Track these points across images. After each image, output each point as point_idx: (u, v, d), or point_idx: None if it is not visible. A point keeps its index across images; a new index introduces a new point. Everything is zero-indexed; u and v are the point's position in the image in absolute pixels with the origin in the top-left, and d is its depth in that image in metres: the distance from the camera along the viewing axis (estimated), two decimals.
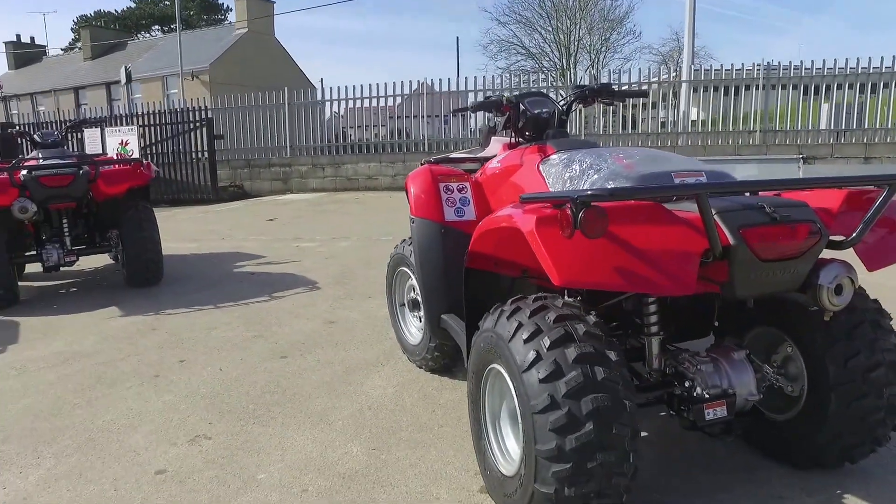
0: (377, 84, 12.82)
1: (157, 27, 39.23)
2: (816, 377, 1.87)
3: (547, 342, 1.55)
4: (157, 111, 13.30)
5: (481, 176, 2.69)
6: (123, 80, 15.76)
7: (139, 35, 36.48)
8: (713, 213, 1.56)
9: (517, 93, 2.67)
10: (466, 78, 14.22)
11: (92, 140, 13.15)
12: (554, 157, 2.24)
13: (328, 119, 13.46)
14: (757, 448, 2.15)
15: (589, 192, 1.41)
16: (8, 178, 4.49)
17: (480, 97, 12.26)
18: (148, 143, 12.98)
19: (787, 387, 1.97)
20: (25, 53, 33.92)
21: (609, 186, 1.87)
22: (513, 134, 2.63)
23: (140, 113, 13.49)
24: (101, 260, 6.22)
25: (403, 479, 2.09)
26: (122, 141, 12.92)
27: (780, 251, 1.57)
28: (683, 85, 11.72)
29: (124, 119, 13.47)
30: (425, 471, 2.14)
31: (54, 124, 13.96)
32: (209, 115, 12.91)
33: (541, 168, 2.25)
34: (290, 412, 2.66)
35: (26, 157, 5.54)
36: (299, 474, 2.15)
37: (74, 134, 13.35)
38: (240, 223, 9.06)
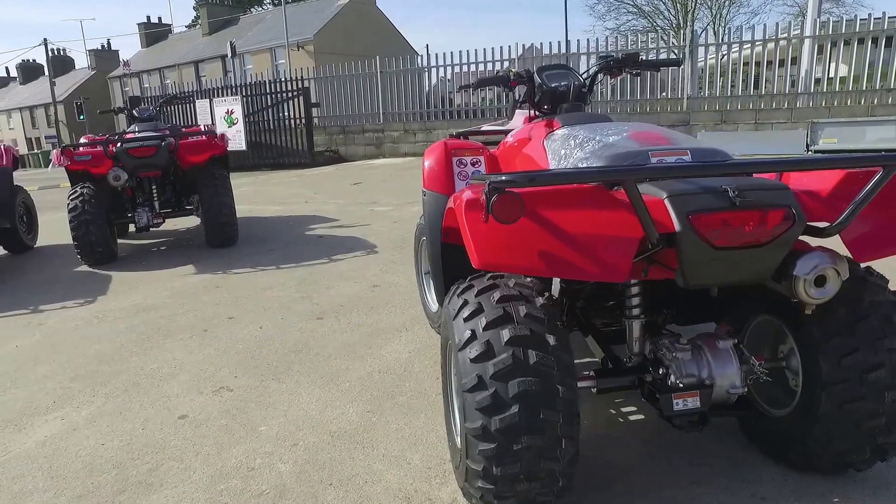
0: (482, 49, 12.68)
1: (268, 1, 40.83)
2: (810, 373, 1.70)
3: (483, 322, 1.55)
4: (256, 82, 13.98)
5: (498, 149, 2.67)
6: (229, 54, 16.64)
7: (251, 9, 38.20)
8: (664, 196, 1.48)
9: (539, 66, 2.61)
10: (574, 40, 13.64)
11: (203, 110, 14.11)
12: (557, 132, 2.19)
13: (434, 85, 13.54)
14: (756, 444, 2.00)
15: (503, 178, 1.37)
16: (103, 151, 4.97)
17: (591, 60, 11.91)
18: (251, 111, 13.71)
19: (791, 380, 1.82)
20: (154, 32, 36.61)
21: (582, 165, 1.82)
22: (530, 107, 2.59)
23: (243, 84, 14.22)
24: (193, 222, 6.75)
25: (385, 441, 2.18)
26: (228, 110, 13.77)
27: (740, 238, 1.44)
28: (806, 41, 10.65)
29: (230, 90, 14.24)
30: (408, 436, 2.22)
31: (153, 99, 14.96)
32: (305, 85, 13.41)
33: (545, 143, 2.21)
34: (307, 371, 2.82)
35: (126, 130, 6.08)
36: (295, 430, 2.30)
37: (186, 105, 14.35)
38: (326, 187, 9.43)
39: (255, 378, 2.77)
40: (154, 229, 5.79)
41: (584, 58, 11.96)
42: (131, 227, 6.09)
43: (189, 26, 40.66)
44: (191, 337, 3.34)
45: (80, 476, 2.09)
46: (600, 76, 2.64)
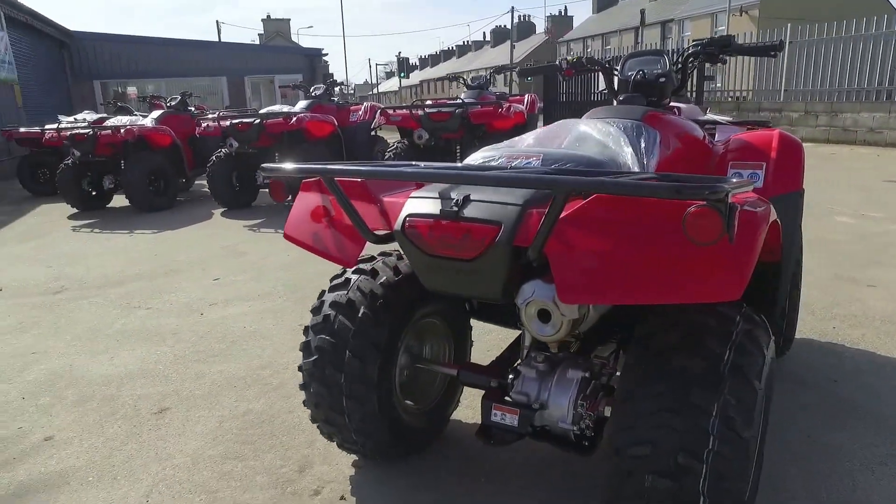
0: None
1: None
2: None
3: (331, 283, 1.92)
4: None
5: None
6: (639, 23, 16.98)
7: None
8: (410, 196, 1.54)
9: (631, 52, 2.52)
10: None
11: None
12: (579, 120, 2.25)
13: None
14: None
15: (271, 167, 1.61)
16: (409, 114, 6.31)
17: None
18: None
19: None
20: None
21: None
22: (610, 95, 2.60)
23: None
24: None
25: None
26: None
27: (447, 249, 1.42)
28: None
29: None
30: None
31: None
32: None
33: None
34: None
35: (458, 96, 7.42)
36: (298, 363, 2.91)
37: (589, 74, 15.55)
38: None
39: None
40: None
41: None
42: None
43: None
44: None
45: (208, 341, 3.19)
46: (692, 63, 2.46)
